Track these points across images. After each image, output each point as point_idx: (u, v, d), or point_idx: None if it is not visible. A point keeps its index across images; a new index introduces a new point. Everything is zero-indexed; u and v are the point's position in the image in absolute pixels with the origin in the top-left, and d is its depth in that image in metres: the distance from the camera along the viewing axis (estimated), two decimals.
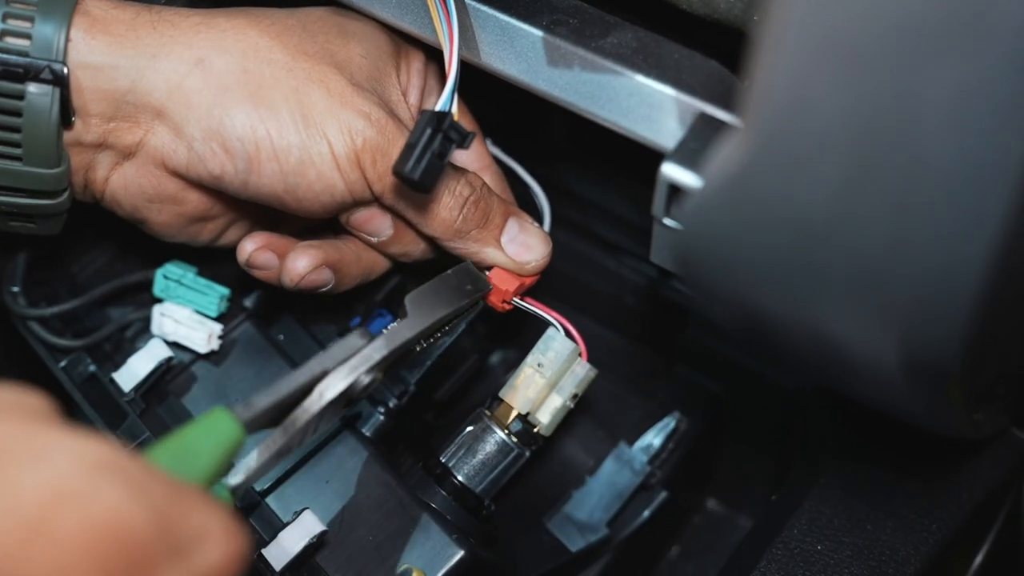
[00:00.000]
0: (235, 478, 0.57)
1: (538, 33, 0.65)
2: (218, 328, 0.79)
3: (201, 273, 0.81)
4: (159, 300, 0.80)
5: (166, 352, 0.76)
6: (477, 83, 0.72)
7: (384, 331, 0.66)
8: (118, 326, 0.81)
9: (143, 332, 0.81)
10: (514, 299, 0.75)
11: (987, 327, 0.49)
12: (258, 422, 0.57)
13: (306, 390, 0.60)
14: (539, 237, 0.75)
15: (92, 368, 0.77)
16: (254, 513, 0.73)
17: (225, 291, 0.80)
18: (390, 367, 0.66)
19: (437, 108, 0.67)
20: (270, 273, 0.74)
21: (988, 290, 0.45)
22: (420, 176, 0.65)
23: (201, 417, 0.52)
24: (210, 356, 0.80)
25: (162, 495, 0.43)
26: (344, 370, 0.62)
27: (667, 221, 0.58)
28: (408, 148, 0.65)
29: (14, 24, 0.65)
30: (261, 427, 0.58)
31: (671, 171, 0.56)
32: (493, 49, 0.67)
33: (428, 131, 0.65)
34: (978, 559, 0.76)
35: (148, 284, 0.81)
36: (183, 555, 0.43)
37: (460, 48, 0.67)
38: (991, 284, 0.45)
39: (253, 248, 0.73)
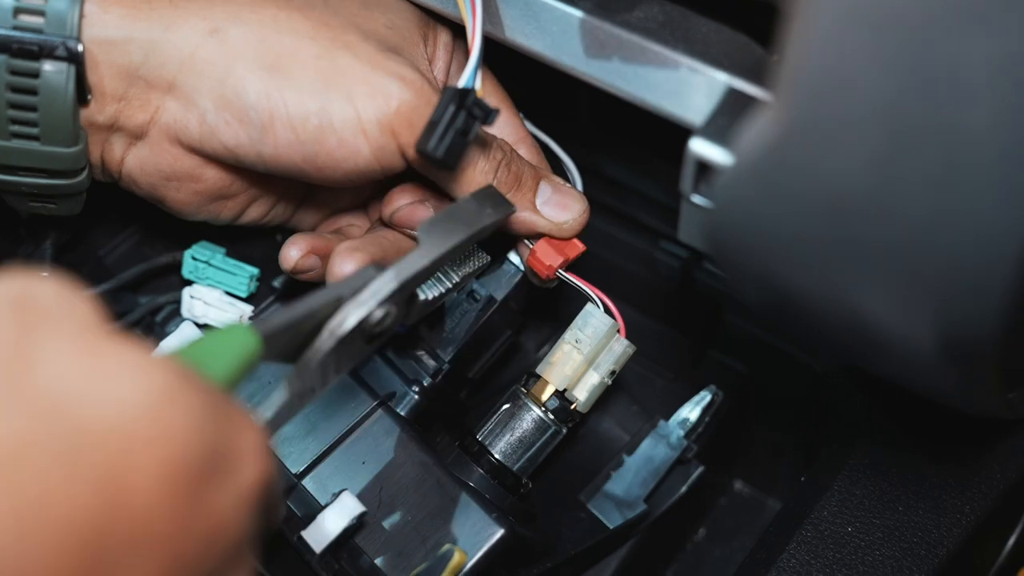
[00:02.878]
0: (265, 412, 0.58)
1: (563, 7, 0.67)
2: (248, 309, 0.83)
3: (229, 253, 0.84)
4: (189, 282, 0.83)
5: (197, 334, 0.80)
6: (505, 62, 0.74)
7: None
8: (148, 309, 0.85)
9: (174, 315, 0.85)
10: (559, 271, 0.77)
11: (1021, 304, 0.50)
12: (274, 341, 0.56)
13: (320, 318, 0.60)
14: (574, 196, 0.77)
15: None
16: (292, 495, 0.76)
17: (254, 271, 0.84)
18: (410, 301, 0.66)
19: (460, 84, 0.69)
20: (316, 275, 0.76)
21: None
22: (444, 154, 0.67)
23: (221, 329, 0.53)
24: None
25: (217, 417, 0.44)
26: (355, 302, 0.61)
27: (696, 199, 0.60)
28: (431, 125, 0.67)
29: (27, 0, 0.66)
30: (278, 353, 0.58)
31: (700, 147, 0.58)
32: (517, 24, 0.69)
33: (451, 108, 0.67)
34: (1011, 540, 0.78)
35: (177, 266, 0.85)
36: (228, 474, 0.45)
37: (484, 23, 0.69)
38: None
39: (298, 256, 0.75)
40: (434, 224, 0.67)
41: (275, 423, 0.58)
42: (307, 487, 0.77)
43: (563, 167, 0.82)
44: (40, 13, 0.66)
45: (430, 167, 0.71)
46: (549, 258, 0.77)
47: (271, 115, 0.68)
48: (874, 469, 0.77)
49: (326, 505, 0.74)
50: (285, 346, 0.58)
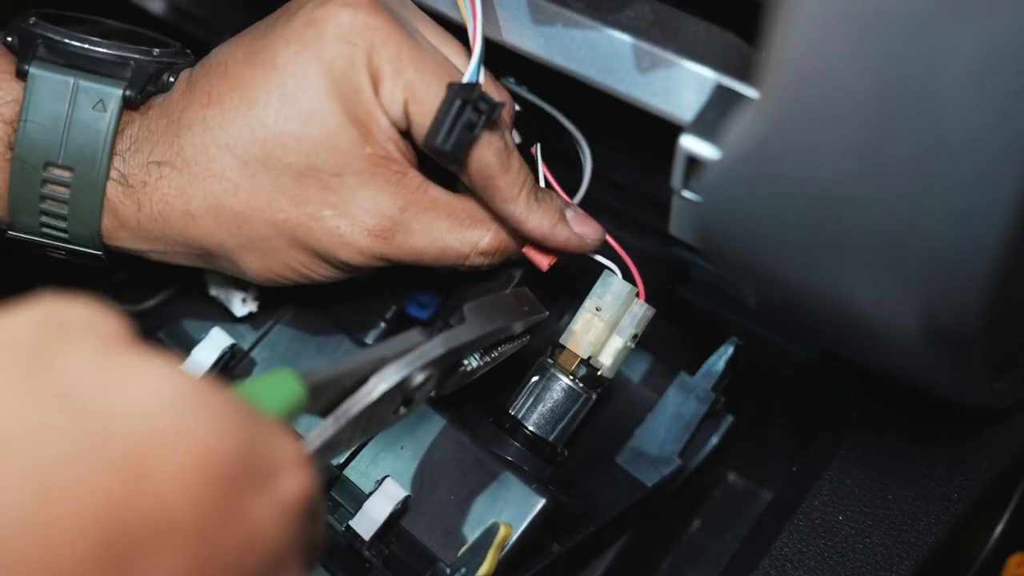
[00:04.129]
0: (312, 442, 0.60)
1: (555, 8, 0.70)
2: (253, 290, 0.88)
3: None
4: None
5: (227, 340, 0.85)
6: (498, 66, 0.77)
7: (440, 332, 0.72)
8: (174, 291, 0.91)
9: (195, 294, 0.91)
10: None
11: (1007, 294, 0.54)
12: (319, 392, 0.59)
13: (362, 377, 0.63)
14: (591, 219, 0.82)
15: None
16: (336, 486, 0.82)
17: None
18: (444, 374, 0.71)
19: (464, 80, 0.73)
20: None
21: (1008, 256, 0.51)
22: (452, 147, 0.70)
23: (267, 374, 0.54)
24: (272, 335, 0.88)
25: (246, 425, 0.46)
26: (400, 363, 0.64)
27: (686, 193, 0.63)
28: (438, 120, 0.71)
29: (50, 222, 0.77)
30: (320, 406, 0.61)
31: (689, 143, 0.61)
32: (511, 24, 0.73)
33: (457, 102, 0.70)
34: (999, 527, 0.82)
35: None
36: (266, 484, 0.46)
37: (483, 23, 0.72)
38: (1011, 250, 0.51)
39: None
40: (480, 306, 0.74)
41: (316, 457, 0.61)
42: (350, 477, 0.82)
43: (572, 139, 0.85)
44: (63, 233, 0.78)
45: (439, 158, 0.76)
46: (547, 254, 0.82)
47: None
48: (864, 459, 0.81)
49: (370, 493, 0.79)
50: (327, 400, 0.61)
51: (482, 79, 0.74)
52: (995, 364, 0.66)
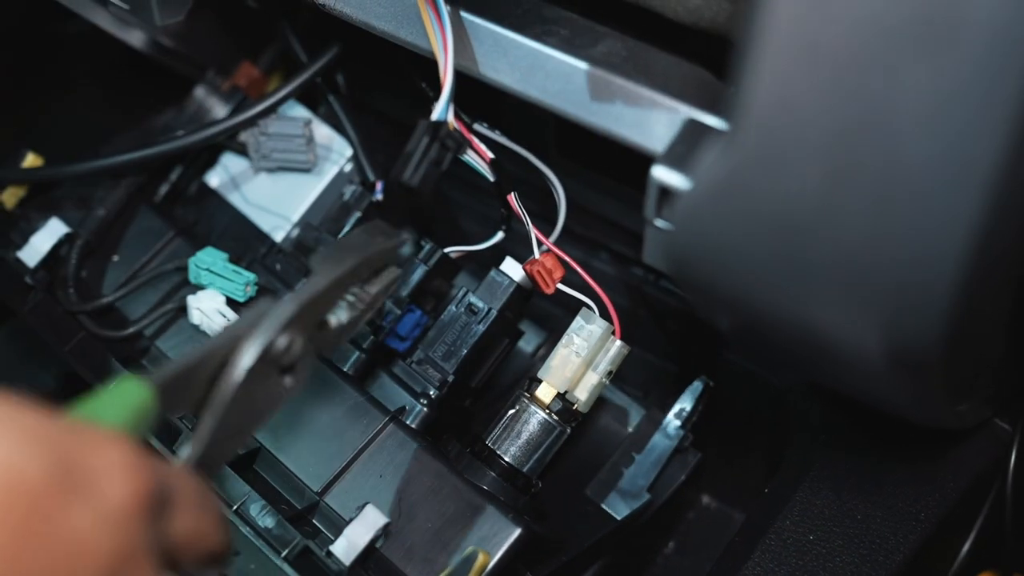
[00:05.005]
0: (183, 452, 0.60)
1: (530, 43, 0.74)
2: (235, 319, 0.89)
3: (232, 259, 0.92)
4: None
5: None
6: (472, 98, 0.80)
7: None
8: (158, 317, 0.92)
9: (171, 323, 0.93)
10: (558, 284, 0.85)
11: (966, 319, 0.58)
12: (176, 389, 0.57)
13: (222, 361, 0.60)
14: None
15: None
16: (315, 513, 0.84)
17: (251, 276, 0.91)
18: (315, 336, 0.68)
19: (433, 118, 0.76)
20: None
21: (965, 283, 0.54)
22: (419, 183, 0.74)
23: (112, 384, 0.53)
24: None
25: (56, 438, 0.46)
26: (255, 335, 0.62)
27: (659, 223, 0.67)
28: (406, 156, 0.74)
29: None
30: (187, 402, 0.59)
31: (661, 174, 0.65)
32: (487, 59, 0.76)
33: (425, 139, 0.74)
34: (966, 545, 0.85)
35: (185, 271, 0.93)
36: (85, 494, 0.46)
37: (455, 58, 0.76)
38: (968, 277, 0.54)
39: None
40: (326, 254, 0.71)
41: (203, 464, 0.59)
42: (330, 504, 0.84)
43: (545, 180, 0.88)
44: None
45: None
46: (557, 270, 0.85)
47: None
48: (833, 480, 0.84)
49: (351, 520, 0.81)
50: (189, 394, 0.59)
51: (451, 117, 0.77)
52: (957, 388, 0.70)
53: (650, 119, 0.69)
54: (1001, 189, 0.52)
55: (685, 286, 0.68)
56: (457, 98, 0.84)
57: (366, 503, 0.82)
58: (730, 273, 0.62)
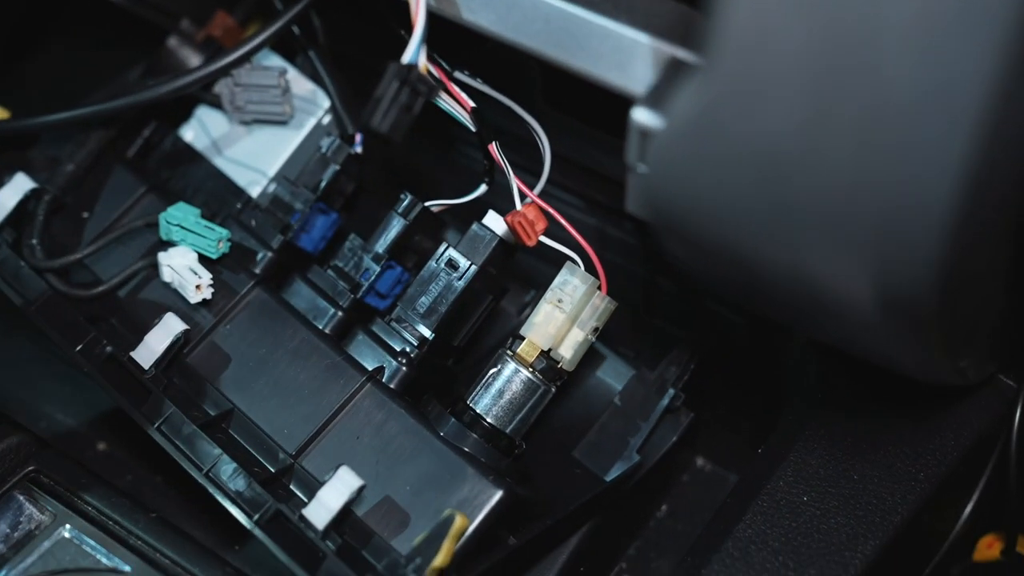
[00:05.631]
0: None
1: None
2: (207, 277, 0.87)
3: (204, 214, 0.89)
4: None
5: (180, 326, 0.85)
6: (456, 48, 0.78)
7: None
8: (128, 275, 0.90)
9: (147, 282, 0.91)
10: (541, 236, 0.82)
11: (961, 264, 0.55)
12: None
13: None
14: None
15: (108, 349, 0.85)
16: (290, 476, 0.82)
17: (224, 232, 0.89)
18: None
19: (404, 60, 0.73)
20: None
21: (958, 224, 0.52)
22: (389, 129, 0.71)
23: None
24: (227, 324, 0.88)
25: None
26: None
27: (641, 168, 0.64)
28: (375, 102, 0.71)
29: None
30: None
31: (641, 116, 0.62)
32: (463, 0, 0.73)
33: (395, 84, 0.71)
34: (968, 507, 0.84)
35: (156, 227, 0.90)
36: None
37: None
38: (960, 218, 0.52)
39: None
40: None
41: None
42: (305, 467, 0.82)
43: (530, 129, 0.86)
44: None
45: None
46: (540, 222, 0.82)
47: None
48: (829, 439, 0.83)
49: (325, 481, 0.79)
50: None
51: (423, 62, 0.75)
52: (955, 340, 0.67)
53: (632, 60, 0.67)
54: (995, 119, 0.49)
55: (665, 235, 0.65)
56: (438, 45, 0.83)
57: (340, 465, 0.80)
58: (709, 217, 0.60)
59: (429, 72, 0.85)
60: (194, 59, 1.00)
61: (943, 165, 0.50)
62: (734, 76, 0.54)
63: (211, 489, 0.80)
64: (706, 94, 0.55)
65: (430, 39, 0.82)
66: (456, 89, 0.86)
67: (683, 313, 0.96)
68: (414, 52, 0.74)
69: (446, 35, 0.79)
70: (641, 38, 0.66)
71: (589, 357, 0.91)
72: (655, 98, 0.63)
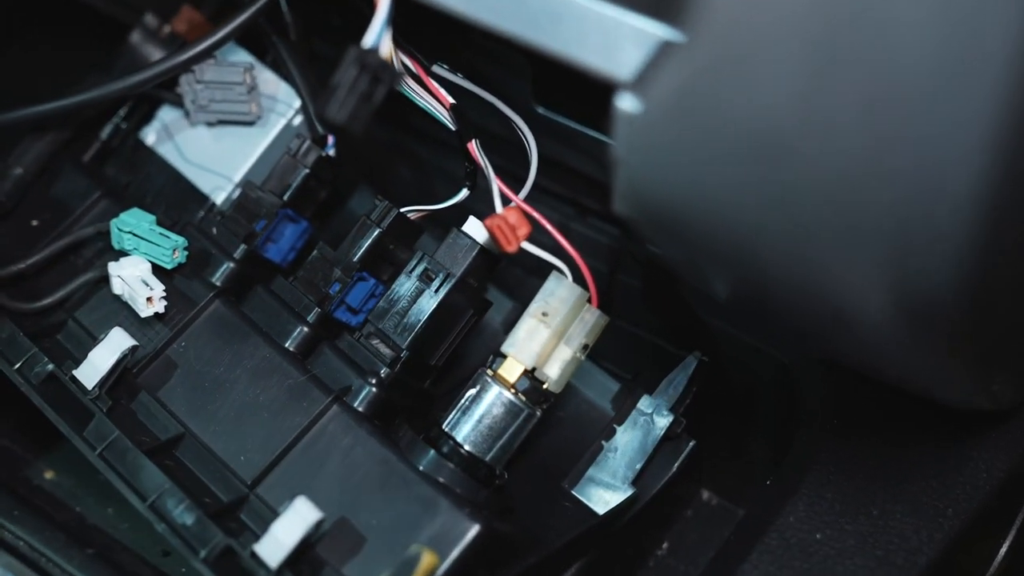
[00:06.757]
0: None
1: None
2: (160, 290, 0.82)
3: (163, 222, 0.85)
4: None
5: (128, 341, 0.79)
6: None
7: None
8: (76, 287, 0.85)
9: (90, 294, 0.86)
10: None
11: (991, 265, 0.49)
12: None
13: None
14: None
15: (50, 367, 0.80)
16: (243, 507, 0.76)
17: (181, 241, 0.84)
18: None
19: (365, 45, 0.69)
20: None
21: (989, 211, 0.46)
22: (347, 119, 0.67)
23: None
24: (182, 340, 0.82)
25: None
26: None
27: (626, 159, 0.58)
28: (332, 89, 0.67)
29: None
30: None
31: (625, 104, 0.56)
32: None
33: (352, 70, 0.67)
34: (1003, 547, 0.78)
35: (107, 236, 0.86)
36: None
37: None
38: (993, 204, 0.46)
39: None
40: None
41: None
42: (262, 496, 0.77)
43: (516, 129, 0.81)
44: None
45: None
46: (522, 226, 0.76)
47: None
48: (846, 470, 0.78)
49: (280, 514, 0.73)
50: None
51: (386, 47, 0.69)
52: (985, 356, 0.61)
53: (617, 42, 0.60)
54: None
55: (655, 238, 0.60)
56: (417, 38, 0.79)
57: (297, 495, 0.73)
58: (700, 211, 0.54)
59: (404, 65, 0.80)
60: (157, 56, 0.95)
61: (967, 143, 0.44)
62: (720, 41, 0.48)
63: (155, 522, 0.74)
64: (687, 71, 0.50)
65: (409, 33, 0.77)
66: (434, 84, 0.82)
67: (683, 329, 0.90)
68: (376, 35, 0.69)
69: (427, 28, 0.74)
70: (624, 17, 0.60)
71: (578, 377, 0.86)
72: (641, 83, 0.57)
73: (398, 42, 0.78)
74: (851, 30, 0.45)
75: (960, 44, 0.43)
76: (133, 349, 0.79)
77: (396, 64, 0.78)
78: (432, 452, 0.77)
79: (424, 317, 0.80)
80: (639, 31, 0.59)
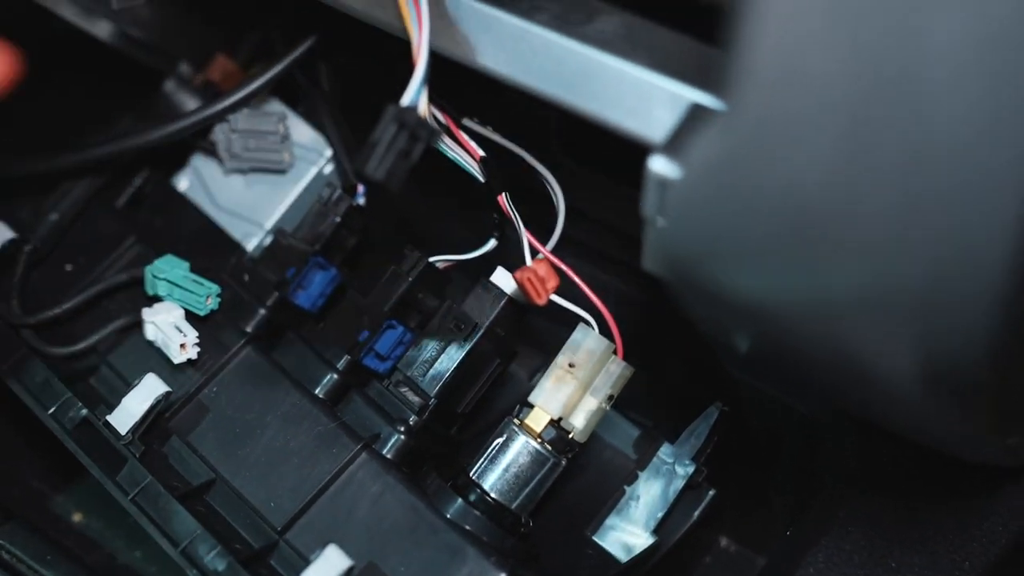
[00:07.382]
0: None
1: (517, 21, 0.67)
2: (193, 336, 0.83)
3: (196, 269, 0.86)
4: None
5: (162, 387, 0.80)
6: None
7: None
8: (109, 332, 0.87)
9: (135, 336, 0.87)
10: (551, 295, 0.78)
11: (1016, 332, 0.50)
12: None
13: None
14: None
15: (84, 412, 0.81)
16: (273, 554, 0.77)
17: (214, 288, 0.85)
18: None
19: (404, 103, 0.69)
20: None
21: (1015, 282, 0.47)
22: (385, 176, 0.67)
23: None
24: (214, 385, 0.83)
25: None
26: None
27: (658, 221, 0.59)
28: (370, 146, 0.67)
29: None
30: None
31: (658, 166, 0.57)
32: (468, 39, 0.70)
33: (392, 127, 0.67)
34: None
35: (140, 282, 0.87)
36: None
37: (432, 37, 0.69)
38: (1019, 275, 0.46)
39: None
40: None
41: None
42: (292, 543, 0.78)
43: (541, 179, 0.82)
44: None
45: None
46: (551, 279, 0.76)
47: None
48: (866, 521, 0.78)
49: (311, 562, 0.74)
50: None
51: (424, 105, 0.71)
52: (1006, 416, 0.62)
53: (649, 104, 0.62)
54: None
55: (684, 296, 0.60)
56: (448, 92, 0.79)
57: (328, 543, 0.74)
58: (731, 277, 0.55)
59: (435, 118, 0.82)
60: (191, 104, 0.97)
61: (1000, 214, 0.45)
62: (758, 119, 0.49)
63: (186, 568, 0.75)
64: (727, 140, 0.50)
65: (441, 86, 0.79)
66: (464, 137, 0.83)
67: (706, 381, 0.91)
68: (414, 94, 0.70)
69: (458, 82, 0.75)
70: (658, 80, 0.61)
71: (603, 427, 0.86)
72: (674, 146, 0.58)
73: (430, 96, 0.80)
74: (884, 99, 0.46)
75: (992, 118, 0.44)
76: (166, 395, 0.80)
77: (429, 118, 0.79)
78: (459, 500, 0.77)
79: (453, 366, 0.81)
80: (673, 95, 0.61)
